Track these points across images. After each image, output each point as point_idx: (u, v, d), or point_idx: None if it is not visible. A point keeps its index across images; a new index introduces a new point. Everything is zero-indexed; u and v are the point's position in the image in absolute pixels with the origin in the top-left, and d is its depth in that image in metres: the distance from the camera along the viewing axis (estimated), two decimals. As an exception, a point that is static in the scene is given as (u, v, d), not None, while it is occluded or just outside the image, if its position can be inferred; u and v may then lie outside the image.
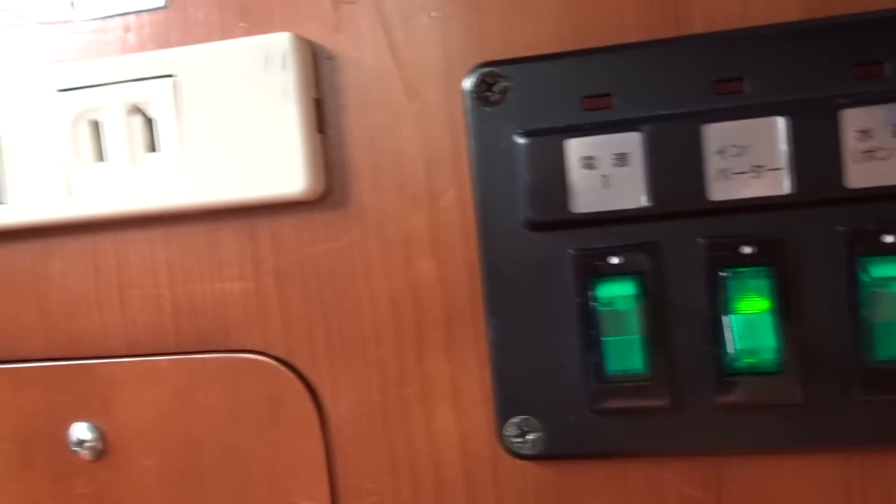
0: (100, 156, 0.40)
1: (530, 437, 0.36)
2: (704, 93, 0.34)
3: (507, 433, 0.36)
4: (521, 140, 0.35)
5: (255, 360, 0.40)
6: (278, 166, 0.37)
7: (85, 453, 0.42)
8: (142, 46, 0.40)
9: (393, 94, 0.37)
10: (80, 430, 0.42)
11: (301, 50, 0.37)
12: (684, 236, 0.34)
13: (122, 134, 0.39)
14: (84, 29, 0.41)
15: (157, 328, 0.41)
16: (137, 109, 0.39)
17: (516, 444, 0.36)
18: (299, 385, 0.39)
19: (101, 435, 0.42)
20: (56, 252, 0.42)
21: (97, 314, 0.42)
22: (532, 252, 0.36)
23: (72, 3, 0.41)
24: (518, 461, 0.37)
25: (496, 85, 0.35)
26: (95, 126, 0.40)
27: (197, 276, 0.40)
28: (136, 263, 0.41)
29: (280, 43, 0.37)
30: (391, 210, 0.38)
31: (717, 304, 0.34)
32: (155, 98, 0.38)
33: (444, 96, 0.37)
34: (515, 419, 0.36)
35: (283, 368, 0.40)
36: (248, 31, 0.38)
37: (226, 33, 0.39)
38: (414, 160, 0.37)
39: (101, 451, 0.42)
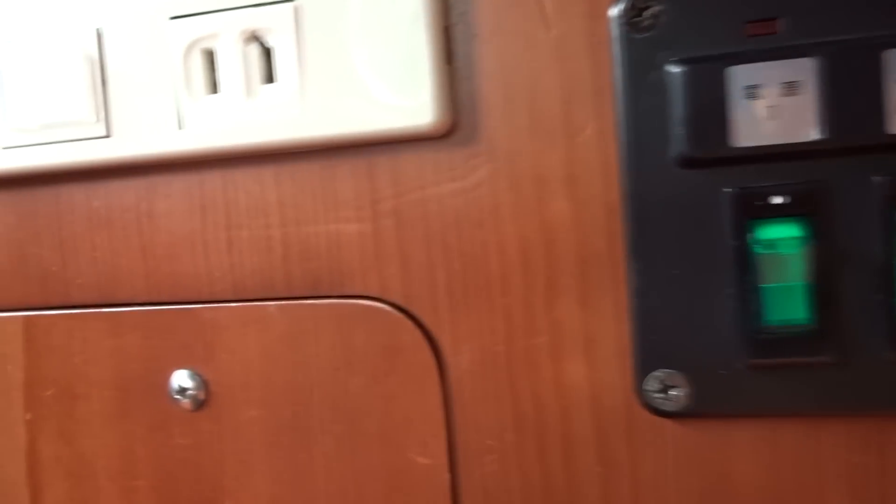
0: (213, 87, 0.38)
1: (673, 392, 0.33)
2: (887, 15, 0.30)
3: (648, 388, 0.33)
4: (675, 69, 0.32)
5: (371, 307, 0.37)
6: (404, 98, 0.35)
7: (186, 402, 0.40)
8: (257, -27, 0.38)
9: (530, 21, 0.35)
10: (181, 378, 0.40)
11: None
12: (858, 174, 0.31)
13: (238, 63, 0.37)
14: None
15: (266, 271, 0.39)
16: (254, 38, 0.37)
17: (657, 400, 0.33)
18: (417, 333, 0.37)
19: (203, 383, 0.40)
20: (161, 190, 0.40)
21: (202, 256, 0.40)
22: (683, 191, 0.33)
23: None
24: (657, 419, 0.34)
25: (648, 10, 0.33)
26: (209, 56, 0.37)
27: (310, 217, 0.38)
28: (245, 203, 0.39)
29: None
30: (523, 147, 0.35)
31: (893, 250, 0.30)
32: (274, 25, 0.36)
33: (587, 23, 0.34)
34: (658, 373, 0.33)
35: (400, 315, 0.37)
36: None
37: (349, -43, 0.36)
38: (550, 93, 0.35)
39: (203, 401, 0.40)
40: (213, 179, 0.40)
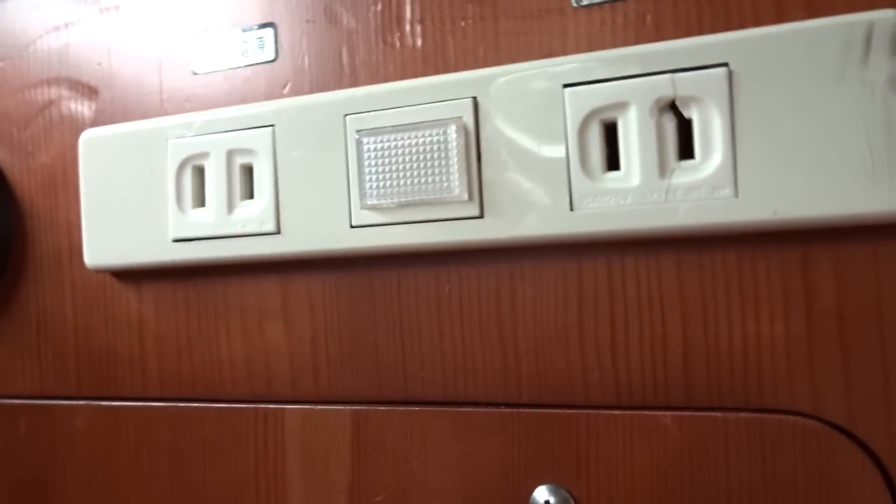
0: (613, 165, 0.32)
1: None
2: None
3: None
4: None
5: (800, 424, 0.31)
6: (865, 178, 0.28)
7: (551, 522, 0.33)
8: (660, 33, 0.32)
9: None
10: (544, 493, 0.34)
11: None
12: None
13: (650, 136, 0.31)
14: (582, 16, 0.34)
15: (660, 375, 0.33)
16: (670, 107, 0.31)
17: None
18: (866, 462, 0.30)
19: (572, 501, 0.33)
20: (528, 276, 0.35)
21: (578, 354, 0.34)
22: None
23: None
24: None
25: None
26: (611, 130, 0.32)
27: (722, 314, 0.32)
28: (635, 294, 0.33)
29: (886, 20, 0.28)
30: None
31: None
32: (700, 92, 0.30)
33: None
34: None
35: (841, 437, 0.31)
36: (809, 14, 0.30)
37: (782, 16, 0.31)
38: None
39: (571, 522, 0.33)
40: (595, 266, 0.34)
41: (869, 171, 0.29)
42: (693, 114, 0.32)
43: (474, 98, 0.35)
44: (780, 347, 0.32)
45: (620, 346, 0.34)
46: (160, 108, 0.43)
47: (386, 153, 0.35)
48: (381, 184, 0.36)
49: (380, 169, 0.36)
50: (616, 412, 0.34)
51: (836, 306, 0.31)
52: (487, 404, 0.36)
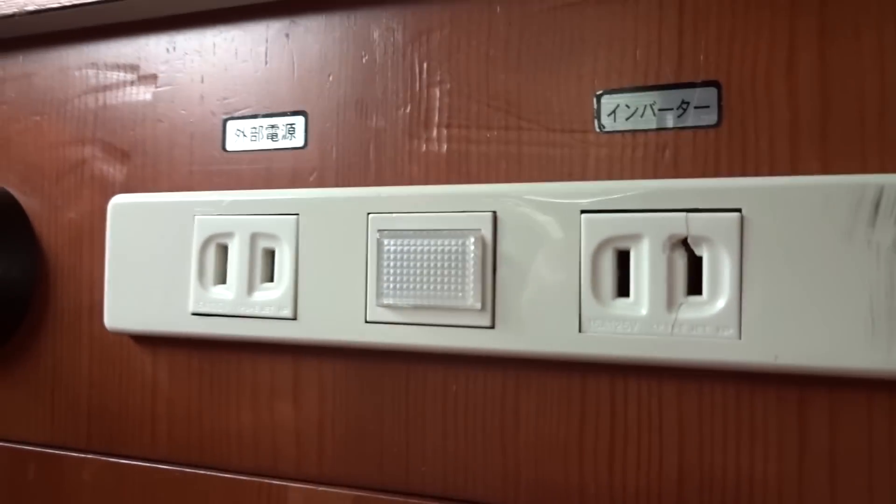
0: (622, 291, 0.34)
1: None
2: None
3: None
4: None
5: (786, 561, 0.31)
6: (864, 335, 0.30)
7: None
8: (678, 169, 0.34)
9: None
10: None
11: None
12: None
13: (661, 270, 0.32)
14: (604, 142, 0.35)
15: (654, 498, 0.34)
16: (682, 243, 0.32)
17: None
18: None
19: None
20: (534, 387, 0.36)
21: (576, 467, 0.35)
22: None
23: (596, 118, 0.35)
24: None
25: None
26: (623, 257, 0.34)
27: (718, 446, 0.33)
28: (635, 416, 0.34)
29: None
30: None
31: None
32: (712, 233, 0.32)
33: None
34: None
35: (825, 578, 0.31)
36: (823, 168, 0.32)
37: (796, 167, 0.32)
38: None
39: None
40: (598, 385, 0.35)
41: (869, 329, 0.30)
42: (704, 252, 0.33)
43: (494, 212, 0.36)
44: (772, 484, 0.33)
45: (618, 464, 0.35)
46: (189, 180, 0.44)
47: (405, 256, 0.37)
48: (398, 285, 0.37)
49: (398, 270, 0.37)
50: (609, 528, 0.35)
51: (829, 450, 0.32)
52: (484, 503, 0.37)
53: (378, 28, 0.40)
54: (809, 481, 0.32)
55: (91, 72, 0.47)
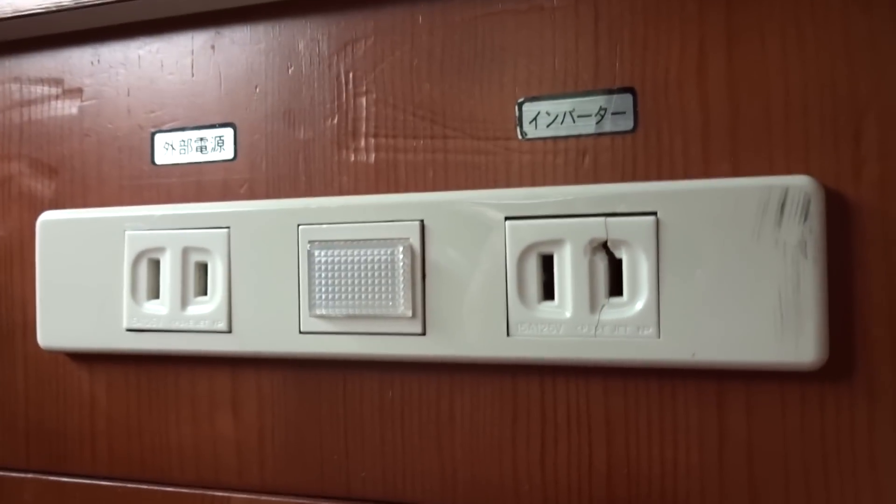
0: (548, 295, 0.35)
1: None
2: None
3: None
4: None
5: (709, 547, 0.33)
6: (774, 330, 0.32)
7: None
8: (597, 174, 0.35)
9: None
10: None
11: (818, 197, 0.31)
12: None
13: (583, 274, 0.34)
14: (526, 149, 0.36)
15: (585, 492, 0.35)
16: (602, 247, 0.34)
17: None
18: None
19: None
20: (468, 390, 0.37)
21: (510, 466, 0.36)
22: None
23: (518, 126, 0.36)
24: None
25: None
26: (547, 261, 0.35)
27: (643, 439, 0.34)
28: (564, 414, 0.35)
29: (800, 188, 0.31)
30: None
31: None
32: (629, 236, 0.33)
33: None
34: None
35: (745, 561, 0.33)
36: (733, 170, 0.33)
37: (708, 169, 0.33)
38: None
39: None
40: (528, 385, 0.37)
41: (779, 324, 0.32)
42: (623, 255, 0.34)
43: (422, 221, 0.37)
44: (694, 475, 0.34)
45: (549, 461, 0.36)
46: (118, 194, 0.44)
47: (336, 266, 0.37)
48: (330, 295, 0.37)
49: (329, 281, 0.37)
50: (543, 523, 0.36)
51: (746, 439, 0.34)
52: (423, 506, 0.38)
53: (303, 39, 0.40)
54: (729, 469, 0.34)
55: (14, 86, 0.47)
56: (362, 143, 0.39)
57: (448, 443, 0.38)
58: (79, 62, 0.45)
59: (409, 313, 0.36)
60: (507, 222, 0.35)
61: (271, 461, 0.41)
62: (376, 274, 0.36)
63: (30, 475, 0.46)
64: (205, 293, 0.41)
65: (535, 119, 0.36)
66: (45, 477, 0.45)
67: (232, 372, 0.41)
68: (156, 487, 0.43)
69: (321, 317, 0.37)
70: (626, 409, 0.35)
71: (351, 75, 0.39)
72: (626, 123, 0.35)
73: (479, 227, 0.35)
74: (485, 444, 0.37)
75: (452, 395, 0.38)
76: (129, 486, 0.43)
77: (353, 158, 0.39)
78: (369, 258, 0.37)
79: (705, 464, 0.34)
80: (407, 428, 0.38)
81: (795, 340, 0.32)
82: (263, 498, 0.41)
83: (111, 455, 0.44)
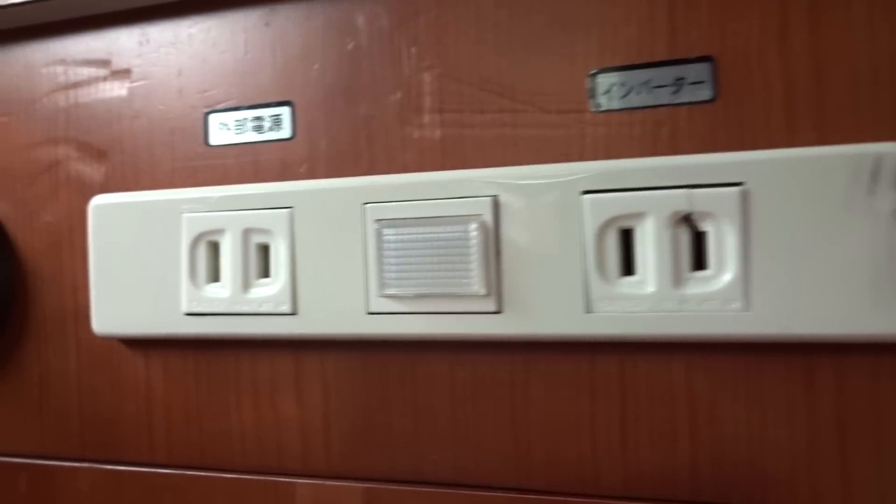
0: (627, 270, 0.34)
1: None
2: None
3: None
4: None
5: (799, 524, 0.32)
6: (868, 301, 0.31)
7: None
8: (675, 146, 0.34)
9: None
10: None
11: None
12: None
13: (666, 247, 0.33)
14: (600, 121, 0.35)
15: (668, 470, 0.34)
16: (685, 220, 0.33)
17: None
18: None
19: None
20: (542, 368, 0.36)
21: (589, 445, 0.35)
22: None
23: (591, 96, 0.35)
24: None
25: None
26: (626, 235, 0.34)
27: (728, 416, 0.33)
28: (646, 392, 0.35)
29: (892, 154, 0.30)
30: None
31: None
32: (715, 208, 0.32)
33: None
34: None
35: (836, 538, 0.32)
36: (819, 139, 0.32)
37: (793, 139, 0.32)
38: None
39: None
40: (607, 364, 0.36)
41: (872, 295, 0.31)
42: (708, 227, 0.33)
43: (495, 197, 0.36)
44: (784, 450, 0.34)
45: (630, 439, 0.36)
46: (171, 177, 0.43)
47: (405, 245, 0.36)
48: (400, 274, 0.37)
49: (399, 260, 0.37)
50: (624, 503, 0.36)
51: (837, 415, 0.33)
52: (499, 488, 0.37)
53: (362, 14, 0.39)
54: (819, 447, 0.33)
55: (59, 68, 0.46)
56: (427, 118, 0.38)
57: (523, 423, 0.37)
58: (126, 42, 0.44)
59: (484, 291, 0.35)
60: (585, 196, 0.34)
61: (337, 445, 0.40)
62: (449, 252, 0.36)
63: (85, 464, 0.45)
64: (267, 275, 0.39)
65: (608, 91, 0.35)
66: (100, 466, 0.44)
67: (295, 355, 0.40)
68: (216, 475, 0.42)
69: (391, 296, 0.37)
70: (710, 386, 0.34)
71: (413, 50, 0.38)
72: (706, 93, 0.34)
73: (554, 202, 0.35)
74: (561, 424, 0.36)
75: (528, 376, 0.37)
76: (189, 472, 0.42)
77: (417, 135, 0.38)
78: (441, 236, 0.36)
79: (794, 441, 0.33)
80: (479, 409, 0.38)
81: (890, 311, 0.31)
82: (329, 483, 0.40)
83: (169, 442, 0.43)
